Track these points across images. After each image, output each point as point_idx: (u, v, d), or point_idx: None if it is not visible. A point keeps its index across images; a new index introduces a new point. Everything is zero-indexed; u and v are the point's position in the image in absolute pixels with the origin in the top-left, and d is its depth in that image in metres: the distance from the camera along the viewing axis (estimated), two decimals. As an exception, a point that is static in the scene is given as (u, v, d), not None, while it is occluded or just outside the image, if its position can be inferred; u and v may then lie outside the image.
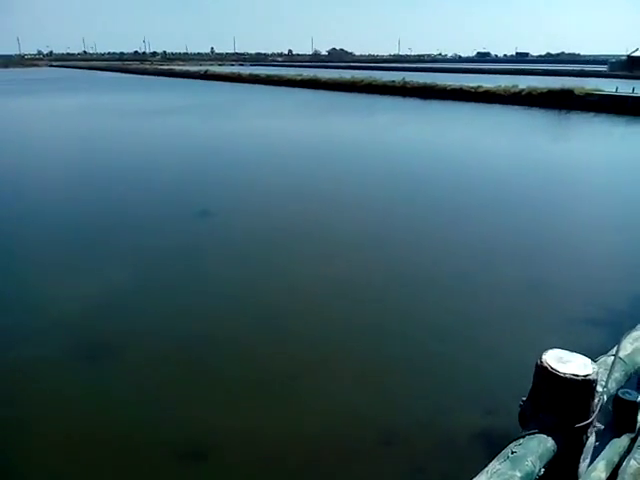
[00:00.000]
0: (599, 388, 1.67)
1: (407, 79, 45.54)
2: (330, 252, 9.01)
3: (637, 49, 72.20)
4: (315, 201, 12.40)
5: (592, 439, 1.57)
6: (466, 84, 40.66)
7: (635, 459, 2.73)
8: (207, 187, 13.88)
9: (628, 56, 72.88)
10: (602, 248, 9.33)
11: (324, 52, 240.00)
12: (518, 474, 1.34)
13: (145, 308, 7.04)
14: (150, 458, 4.42)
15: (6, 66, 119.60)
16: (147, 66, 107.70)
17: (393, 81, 45.85)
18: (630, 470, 2.66)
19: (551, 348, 1.62)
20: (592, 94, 32.49)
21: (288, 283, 7.77)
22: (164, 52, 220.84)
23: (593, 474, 2.05)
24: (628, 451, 2.21)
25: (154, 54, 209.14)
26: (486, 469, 1.37)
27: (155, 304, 7.15)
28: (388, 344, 6.17)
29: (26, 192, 13.27)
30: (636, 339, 2.05)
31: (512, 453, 1.40)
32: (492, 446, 1.46)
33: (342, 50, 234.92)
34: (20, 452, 4.45)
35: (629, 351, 1.95)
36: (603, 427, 1.78)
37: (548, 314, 6.84)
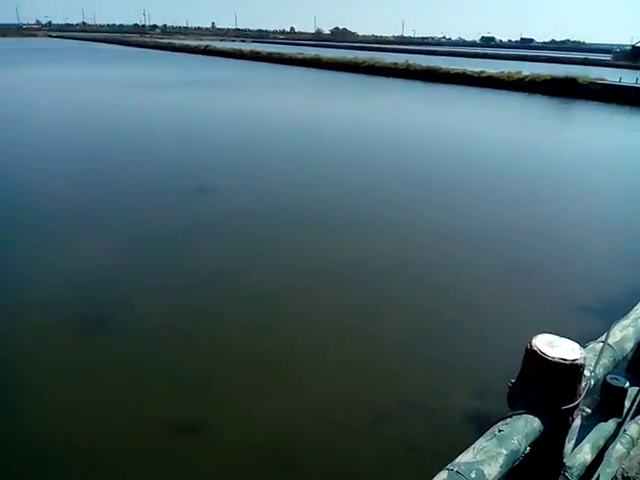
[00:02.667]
0: (587, 373, 1.72)
1: (410, 62, 45.11)
2: (326, 232, 9.03)
3: (642, 39, 71.46)
4: (314, 180, 12.39)
5: (578, 421, 1.62)
6: (469, 69, 40.31)
7: (621, 443, 2.81)
8: (206, 163, 13.83)
9: (633, 46, 72.21)
10: (598, 236, 9.38)
11: (327, 31, 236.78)
12: (504, 451, 1.39)
13: (140, 282, 7.07)
14: (144, 430, 4.49)
15: (4, 35, 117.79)
16: (147, 39, 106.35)
17: (396, 63, 45.39)
18: (616, 454, 2.74)
19: (541, 333, 1.66)
20: (595, 83, 32.27)
21: (284, 262, 7.80)
22: (164, 25, 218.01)
23: (579, 455, 2.11)
24: (614, 435, 2.27)
25: (154, 27, 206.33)
26: (473, 446, 1.41)
27: (150, 278, 7.17)
28: (381, 327, 6.22)
29: (23, 164, 13.20)
30: (625, 327, 2.10)
31: (499, 431, 1.45)
32: (482, 428, 1.50)
33: (345, 30, 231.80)
34: (17, 419, 4.51)
35: (618, 338, 2.00)
36: (590, 410, 1.83)
37: (541, 299, 6.91)
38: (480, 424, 4.24)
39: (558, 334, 1.67)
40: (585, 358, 1.58)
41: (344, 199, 11.00)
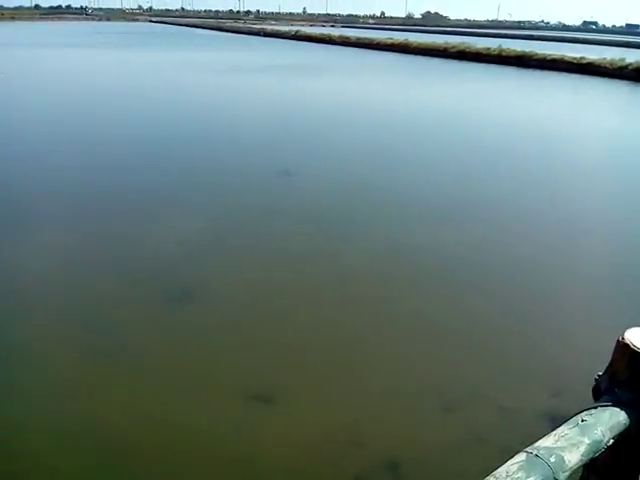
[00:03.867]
0: (680, 370, 1.64)
1: (504, 47, 43.23)
2: (411, 218, 8.99)
3: None
4: (395, 169, 12.29)
5: (668, 420, 1.55)
6: (568, 54, 38.04)
7: None
8: (290, 147, 14.11)
9: None
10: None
11: (418, 15, 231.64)
12: (586, 440, 1.37)
13: (223, 259, 7.39)
14: (220, 398, 4.73)
15: (108, 19, 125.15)
16: (240, 25, 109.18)
17: (488, 48, 43.70)
18: None
19: (634, 327, 1.60)
20: None
21: (368, 248, 7.84)
22: (257, 11, 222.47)
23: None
24: None
25: (248, 13, 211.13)
26: (554, 432, 1.40)
27: (233, 257, 7.48)
28: (453, 318, 6.15)
29: (122, 141, 14.08)
30: None
31: (582, 421, 1.42)
32: (555, 423, 1.48)
33: (437, 14, 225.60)
34: (108, 380, 4.92)
35: None
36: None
37: (623, 296, 6.51)
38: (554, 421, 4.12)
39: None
40: (680, 355, 1.51)
41: (422, 184, 10.85)
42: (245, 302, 6.28)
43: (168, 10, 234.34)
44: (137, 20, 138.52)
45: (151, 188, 10.37)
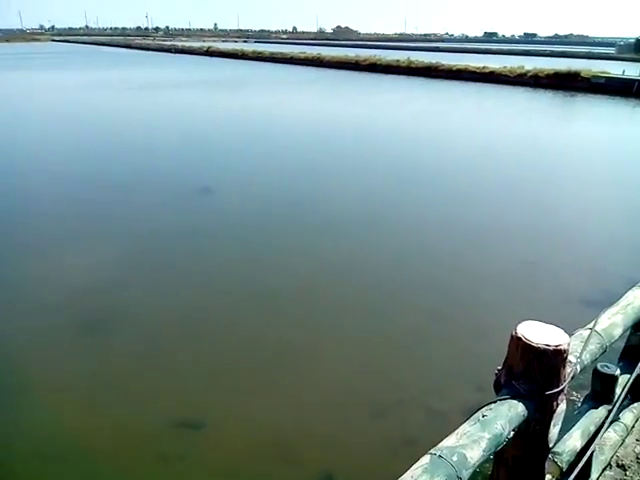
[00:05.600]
0: (572, 359, 1.74)
1: (412, 58, 45.06)
2: (326, 232, 9.07)
3: (646, 31, 71.20)
4: (316, 180, 12.41)
5: (563, 406, 1.64)
6: (472, 64, 40.23)
7: (615, 431, 2.83)
8: (209, 163, 13.89)
9: (637, 39, 71.79)
10: (600, 230, 9.36)
11: (329, 30, 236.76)
12: (487, 435, 1.41)
13: (143, 283, 7.13)
14: (147, 426, 4.53)
15: (7, 41, 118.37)
16: (150, 42, 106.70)
17: (397, 60, 45.39)
18: (610, 442, 2.76)
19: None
20: (599, 76, 32.12)
21: (285, 262, 7.83)
22: (167, 27, 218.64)
23: (569, 442, 2.13)
24: (604, 422, 2.28)
25: (157, 29, 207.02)
26: (456, 431, 1.44)
27: (153, 279, 7.23)
28: (380, 322, 6.25)
29: (27, 167, 13.29)
30: (614, 314, 2.11)
31: (483, 416, 1.47)
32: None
33: (347, 28, 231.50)
34: (20, 418, 4.57)
35: (606, 325, 2.01)
36: (577, 395, 1.85)
37: (541, 294, 6.90)
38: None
39: (544, 321, 1.69)
40: (569, 344, 1.60)
41: (345, 196, 11.01)
42: (165, 326, 6.07)
43: (71, 29, 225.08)
44: (39, 40, 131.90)
45: (67, 209, 9.87)
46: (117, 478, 4.02)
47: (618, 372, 2.31)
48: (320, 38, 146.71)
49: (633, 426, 2.99)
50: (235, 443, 4.37)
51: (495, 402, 1.52)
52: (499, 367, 1.70)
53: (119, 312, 6.32)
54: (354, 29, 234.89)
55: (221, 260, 7.87)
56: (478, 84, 35.53)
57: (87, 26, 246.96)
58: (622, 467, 2.78)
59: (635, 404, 3.04)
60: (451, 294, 6.95)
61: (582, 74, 32.59)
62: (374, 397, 4.97)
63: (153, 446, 4.34)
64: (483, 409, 1.50)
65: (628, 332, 2.68)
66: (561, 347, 1.55)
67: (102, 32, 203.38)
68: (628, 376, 2.30)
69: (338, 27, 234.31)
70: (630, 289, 2.41)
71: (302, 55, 56.59)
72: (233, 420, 4.62)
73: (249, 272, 7.48)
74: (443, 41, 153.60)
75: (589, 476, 2.49)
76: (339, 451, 4.37)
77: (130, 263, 7.70)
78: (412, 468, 1.30)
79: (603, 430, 2.14)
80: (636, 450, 2.93)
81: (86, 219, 9.42)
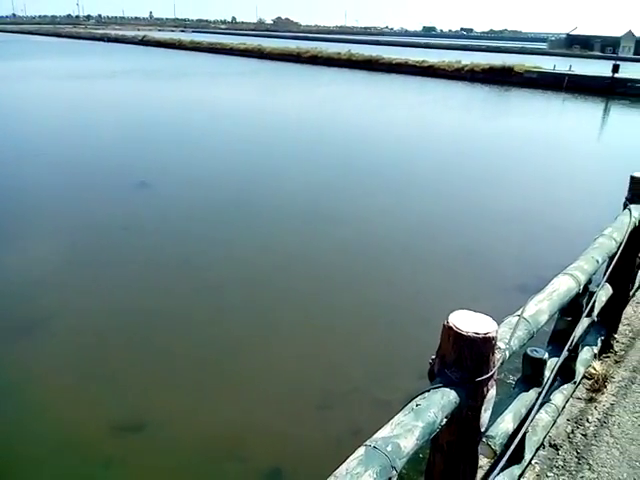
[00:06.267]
0: (502, 345, 1.80)
1: (353, 51, 45.38)
2: (270, 225, 9.03)
3: (575, 28, 74.79)
4: (257, 173, 12.30)
5: (493, 391, 1.70)
6: (412, 58, 40.96)
7: (547, 412, 2.96)
8: (144, 157, 13.49)
9: (567, 34, 75.34)
10: (533, 221, 9.77)
11: (269, 21, 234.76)
12: (420, 424, 1.44)
13: (78, 282, 6.85)
14: (86, 431, 4.37)
15: None
16: (81, 30, 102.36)
17: (339, 53, 45.60)
18: (542, 422, 2.89)
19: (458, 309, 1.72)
20: (531, 71, 33.50)
21: (230, 256, 7.74)
22: (99, 15, 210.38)
23: (501, 425, 2.21)
24: (535, 404, 2.39)
25: (88, 17, 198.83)
26: (391, 421, 1.46)
27: (89, 278, 6.96)
28: (327, 315, 6.30)
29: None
30: (540, 301, 2.21)
31: (416, 406, 1.50)
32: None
33: (288, 19, 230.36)
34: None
35: (533, 312, 2.10)
36: (513, 379, 1.92)
37: (480, 282, 7.15)
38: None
39: (474, 310, 1.74)
40: (497, 331, 1.65)
41: (289, 189, 10.99)
42: (102, 325, 5.86)
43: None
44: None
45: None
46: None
47: (546, 356, 2.42)
48: (260, 29, 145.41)
49: (564, 407, 3.14)
50: (182, 442, 4.29)
51: (429, 391, 1.56)
52: (433, 356, 1.74)
53: (53, 313, 6.06)
54: (294, 20, 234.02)
55: (161, 255, 7.67)
56: (417, 78, 36.24)
57: (14, 14, 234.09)
58: (554, 447, 2.92)
59: (565, 385, 3.20)
60: (396, 284, 7.08)
61: (515, 69, 33.87)
62: (321, 389, 5.00)
63: (95, 451, 4.19)
64: (417, 398, 1.53)
65: (556, 317, 2.81)
66: (489, 335, 1.61)
67: (30, 20, 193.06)
68: (557, 359, 2.41)
69: (278, 18, 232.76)
70: (556, 276, 2.53)
71: (242, 46, 55.90)
72: (179, 419, 4.53)
73: (191, 266, 7.34)
74: (383, 34, 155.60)
75: (523, 457, 2.60)
76: (287, 444, 4.37)
77: (64, 260, 7.38)
78: (347, 460, 1.31)
79: (534, 412, 2.24)
80: (567, 430, 3.09)
81: (16, 216, 8.96)
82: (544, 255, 7.93)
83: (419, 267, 7.63)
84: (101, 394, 4.80)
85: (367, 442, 1.37)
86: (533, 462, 2.74)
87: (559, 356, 2.47)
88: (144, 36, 72.50)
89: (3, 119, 18.13)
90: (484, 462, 2.50)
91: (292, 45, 53.53)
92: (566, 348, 2.49)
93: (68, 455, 4.16)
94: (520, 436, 2.15)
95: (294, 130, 17.89)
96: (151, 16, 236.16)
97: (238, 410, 4.67)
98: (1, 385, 4.90)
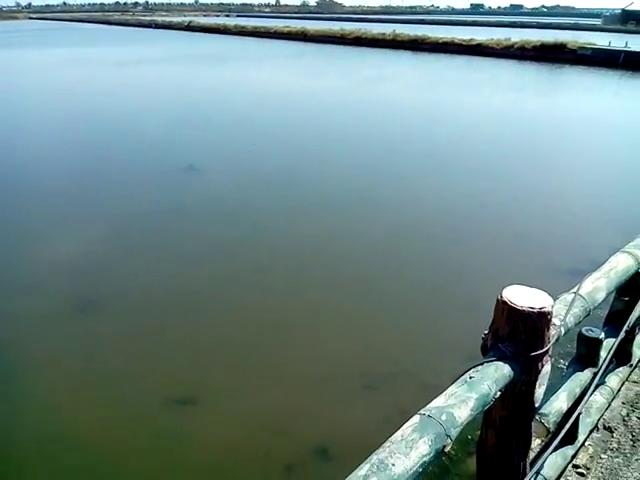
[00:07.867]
0: (557, 321, 1.78)
1: (398, 32, 44.58)
2: (315, 207, 9.06)
3: (632, 2, 71.05)
4: (304, 156, 12.33)
5: (548, 367, 1.68)
6: (458, 37, 39.91)
7: (601, 394, 2.90)
8: (193, 141, 13.72)
9: (622, 10, 71.57)
10: (588, 201, 9.44)
11: (313, 2, 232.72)
12: (474, 396, 1.45)
13: (132, 263, 7.09)
14: (139, 405, 4.56)
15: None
16: (128, 17, 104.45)
17: (383, 33, 44.88)
18: (596, 404, 2.83)
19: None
20: (585, 48, 32.07)
21: (276, 239, 7.82)
22: (146, 2, 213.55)
23: (555, 403, 2.19)
24: (590, 384, 2.34)
25: (136, 4, 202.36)
26: (444, 392, 1.47)
27: (142, 258, 7.20)
28: (372, 297, 6.29)
29: (8, 147, 13.07)
30: (597, 279, 2.15)
31: (470, 378, 1.51)
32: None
33: (331, 1, 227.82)
34: (15, 401, 4.58)
35: (589, 289, 2.05)
36: (564, 363, 1.89)
37: (531, 265, 6.98)
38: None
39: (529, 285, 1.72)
40: (553, 306, 1.63)
41: (334, 171, 10.98)
42: (157, 305, 6.07)
43: (49, 6, 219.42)
44: (16, 18, 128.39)
45: (52, 191, 9.75)
46: (114, 457, 4.05)
47: (602, 336, 2.36)
48: (304, 11, 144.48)
49: (619, 390, 3.06)
50: (230, 418, 4.42)
51: (482, 364, 1.56)
52: (485, 331, 1.73)
53: (109, 292, 6.31)
54: (338, 1, 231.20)
55: (210, 238, 7.84)
56: (465, 56, 35.29)
57: (65, 3, 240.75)
58: (609, 429, 2.85)
59: (620, 368, 3.11)
60: (444, 267, 7.01)
61: (568, 45, 32.52)
62: (367, 371, 5.02)
63: (148, 424, 4.37)
64: (470, 371, 1.54)
65: (612, 297, 2.74)
66: (545, 309, 1.59)
67: (80, 8, 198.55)
68: (613, 340, 2.35)
69: (322, 0, 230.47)
70: (613, 255, 2.45)
71: (286, 29, 55.75)
72: (227, 396, 4.66)
73: (239, 249, 7.47)
74: (429, 13, 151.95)
75: (576, 437, 2.56)
76: (333, 424, 4.42)
77: (118, 243, 7.65)
78: (402, 427, 1.34)
79: (589, 393, 2.20)
80: (622, 413, 3.02)
81: (72, 200, 9.31)
82: (595, 237, 7.69)
83: (466, 249, 7.52)
84: (153, 369, 4.99)
85: (421, 411, 1.39)
86: (586, 444, 2.70)
87: (615, 337, 2.42)
88: (190, 22, 73.34)
89: (59, 106, 18.78)
90: (535, 441, 2.47)
91: (336, 27, 52.98)
92: (623, 329, 2.43)
93: (122, 428, 4.35)
94: (574, 417, 2.12)
95: (342, 113, 17.78)
96: (196, 1, 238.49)
97: (284, 389, 4.76)
98: (63, 358, 5.17)
